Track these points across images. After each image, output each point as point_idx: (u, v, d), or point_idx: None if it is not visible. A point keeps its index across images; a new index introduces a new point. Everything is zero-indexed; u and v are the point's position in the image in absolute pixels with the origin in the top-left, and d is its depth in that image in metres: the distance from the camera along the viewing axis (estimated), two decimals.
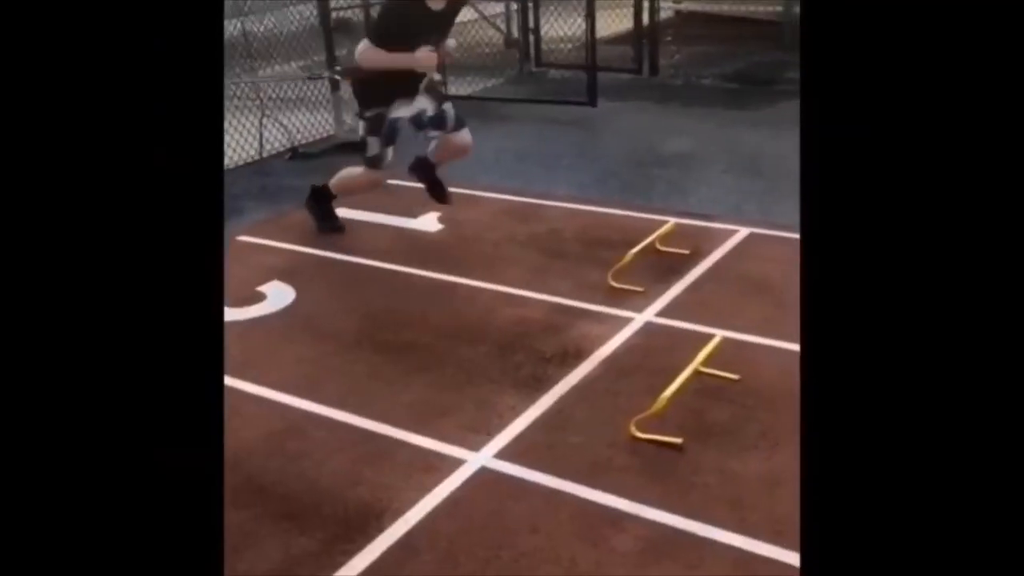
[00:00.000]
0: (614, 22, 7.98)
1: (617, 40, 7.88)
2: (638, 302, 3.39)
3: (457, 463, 2.48)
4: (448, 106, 3.97)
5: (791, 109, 6.16)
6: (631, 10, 7.28)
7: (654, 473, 2.41)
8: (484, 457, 2.51)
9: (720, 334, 2.98)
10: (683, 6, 7.96)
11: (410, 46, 3.66)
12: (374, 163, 3.95)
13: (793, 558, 2.08)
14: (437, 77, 3.97)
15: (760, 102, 6.37)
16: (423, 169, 4.12)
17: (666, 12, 8.17)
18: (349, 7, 7.72)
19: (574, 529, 2.22)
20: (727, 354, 2.88)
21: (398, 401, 2.83)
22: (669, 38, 7.72)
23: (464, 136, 4.03)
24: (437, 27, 3.77)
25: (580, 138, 5.73)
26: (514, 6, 7.96)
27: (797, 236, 3.85)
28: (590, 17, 6.32)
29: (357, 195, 4.22)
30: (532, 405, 2.75)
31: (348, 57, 7.00)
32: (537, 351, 3.08)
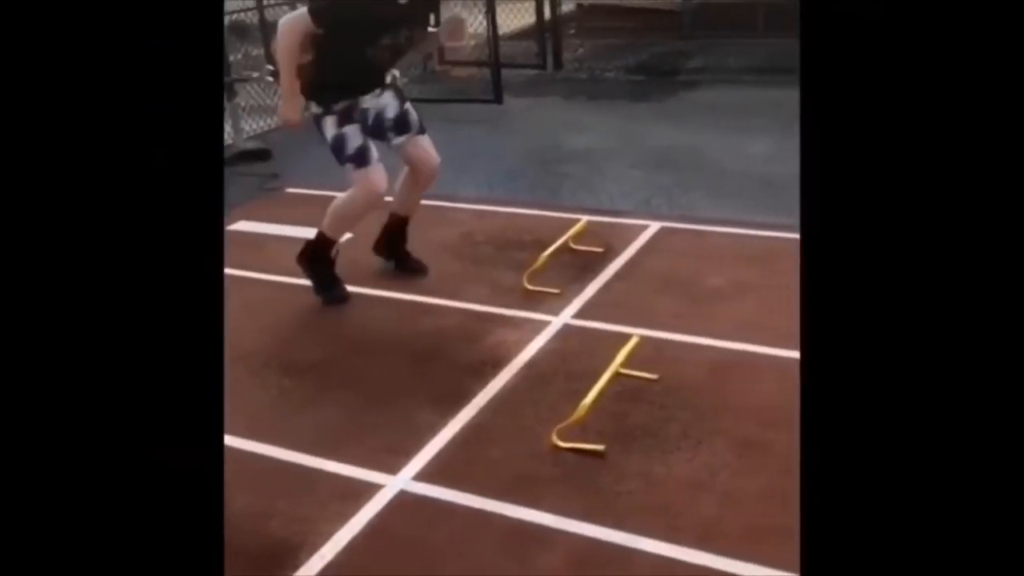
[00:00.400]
0: (516, 17, 7.94)
1: (520, 35, 7.85)
2: (554, 304, 3.34)
3: (375, 488, 2.39)
4: (410, 106, 3.58)
5: (694, 99, 6.23)
6: (532, 4, 7.25)
7: (578, 484, 2.37)
8: (403, 480, 2.42)
9: (637, 333, 2.95)
10: None
11: (367, 38, 3.24)
12: (360, 158, 3.29)
13: (720, 563, 2.05)
14: (397, 74, 3.67)
15: (664, 94, 6.42)
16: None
17: (568, 5, 8.17)
18: (243, 10, 7.47)
19: (500, 549, 2.15)
20: (645, 353, 2.86)
21: (310, 425, 2.71)
22: (572, 31, 7.73)
23: (431, 156, 3.56)
24: (403, 21, 3.30)
25: (487, 137, 5.66)
26: None
27: (706, 228, 3.94)
28: (491, 13, 6.26)
29: (356, 224, 3.53)
30: (451, 420, 2.67)
31: (243, 60, 6.77)
32: (454, 362, 3.00)
